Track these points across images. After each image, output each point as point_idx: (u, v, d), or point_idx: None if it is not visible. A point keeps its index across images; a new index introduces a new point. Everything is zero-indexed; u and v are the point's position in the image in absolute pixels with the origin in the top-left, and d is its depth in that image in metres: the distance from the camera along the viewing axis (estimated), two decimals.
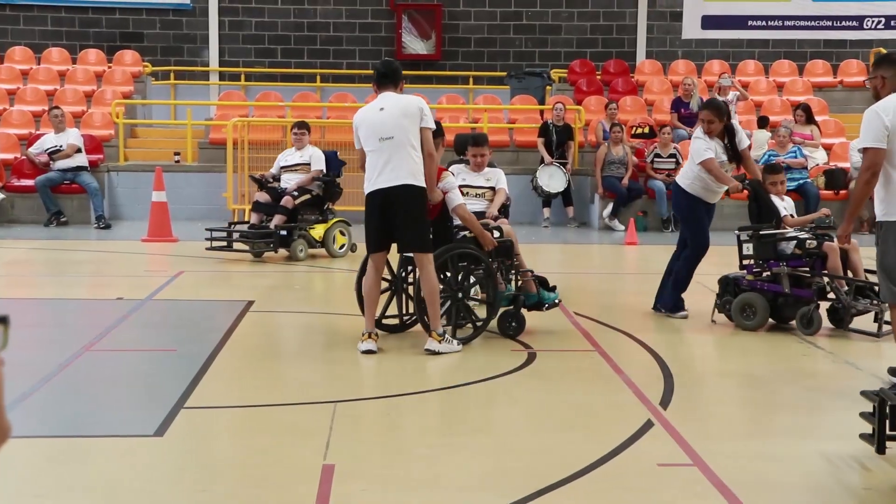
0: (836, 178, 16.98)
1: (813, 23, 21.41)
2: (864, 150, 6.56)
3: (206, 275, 11.85)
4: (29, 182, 16.59)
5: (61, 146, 16.59)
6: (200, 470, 5.29)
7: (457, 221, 8.32)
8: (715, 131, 9.26)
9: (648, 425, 5.96)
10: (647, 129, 18.18)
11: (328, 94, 20.29)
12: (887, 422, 5.19)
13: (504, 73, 20.83)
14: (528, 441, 5.79)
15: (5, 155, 17.08)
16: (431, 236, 7.95)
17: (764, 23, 21.43)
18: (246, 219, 14.39)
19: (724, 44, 21.52)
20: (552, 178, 17.00)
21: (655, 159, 17.04)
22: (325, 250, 13.06)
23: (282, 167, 13.25)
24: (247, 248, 12.86)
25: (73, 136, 16.73)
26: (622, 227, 16.28)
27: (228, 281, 11.68)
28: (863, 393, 5.63)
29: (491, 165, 10.50)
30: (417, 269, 7.89)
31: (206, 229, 13.03)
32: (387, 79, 7.88)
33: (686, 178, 9.44)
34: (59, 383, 6.97)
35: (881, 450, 5.26)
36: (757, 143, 17.58)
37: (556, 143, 17.43)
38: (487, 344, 8.23)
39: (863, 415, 5.48)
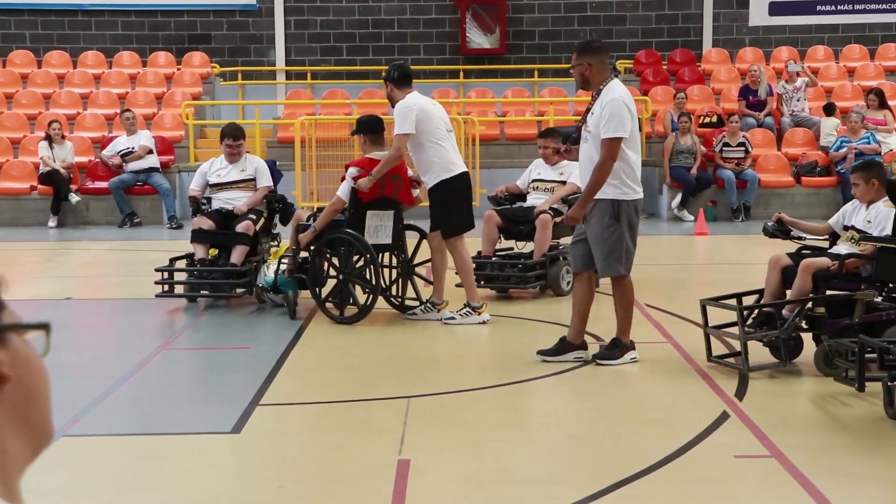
0: None
1: (884, 5, 20.98)
2: (610, 140, 6.94)
3: None
4: (103, 184, 16.88)
5: (133, 148, 16.86)
6: (277, 466, 5.34)
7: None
8: None
9: (724, 417, 5.91)
10: (714, 118, 17.99)
11: None
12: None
13: (569, 66, 20.70)
14: (601, 434, 5.77)
15: (79, 158, 17.38)
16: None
17: (833, 7, 21.05)
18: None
19: (792, 30, 21.20)
20: None
21: (724, 148, 16.86)
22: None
23: (213, 184, 10.08)
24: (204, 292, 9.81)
25: (144, 138, 16.99)
26: (691, 218, 16.13)
27: None
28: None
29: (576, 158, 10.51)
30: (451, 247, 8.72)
31: (157, 269, 9.89)
32: (411, 80, 8.73)
33: None
34: (137, 382, 7.08)
35: (861, 388, 6.04)
36: (825, 129, 17.33)
37: None
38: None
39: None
